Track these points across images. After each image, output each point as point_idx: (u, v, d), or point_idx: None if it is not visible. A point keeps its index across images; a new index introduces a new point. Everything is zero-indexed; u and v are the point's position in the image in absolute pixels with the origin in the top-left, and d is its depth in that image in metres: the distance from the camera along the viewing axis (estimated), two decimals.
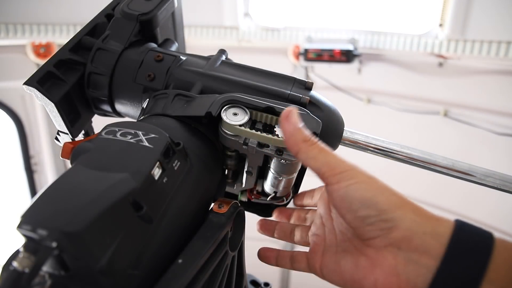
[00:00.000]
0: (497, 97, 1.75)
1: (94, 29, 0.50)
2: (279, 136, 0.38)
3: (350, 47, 1.85)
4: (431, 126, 1.97)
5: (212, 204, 0.42)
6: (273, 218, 0.53)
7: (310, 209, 0.51)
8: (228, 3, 1.94)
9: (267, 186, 0.47)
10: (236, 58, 0.51)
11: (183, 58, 0.48)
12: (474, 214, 1.90)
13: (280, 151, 0.38)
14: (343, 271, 0.37)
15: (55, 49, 1.68)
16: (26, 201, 2.48)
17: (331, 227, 0.42)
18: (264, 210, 0.53)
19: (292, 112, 0.37)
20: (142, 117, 0.43)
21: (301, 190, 0.50)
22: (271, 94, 0.44)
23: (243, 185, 0.49)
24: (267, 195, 0.49)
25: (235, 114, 0.39)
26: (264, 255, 0.47)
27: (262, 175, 0.48)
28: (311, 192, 0.51)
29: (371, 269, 0.34)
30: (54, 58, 0.46)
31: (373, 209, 0.33)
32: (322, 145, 0.36)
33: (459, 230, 0.31)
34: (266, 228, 0.50)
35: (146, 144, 0.33)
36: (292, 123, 0.36)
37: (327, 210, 0.44)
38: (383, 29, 1.86)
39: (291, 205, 0.52)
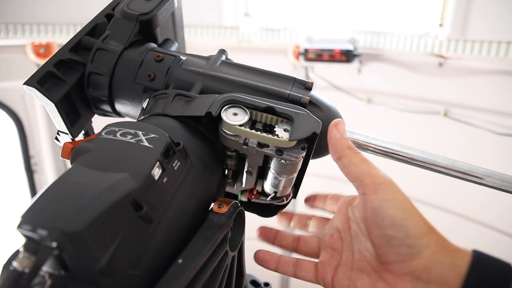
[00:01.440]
0: (497, 97, 1.75)
1: (94, 29, 0.50)
2: (279, 136, 0.38)
3: (350, 47, 1.85)
4: (431, 126, 1.97)
5: (212, 204, 0.42)
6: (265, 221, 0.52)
7: (313, 216, 0.51)
8: (228, 3, 1.95)
9: (267, 186, 0.47)
10: (236, 58, 0.51)
11: (183, 58, 0.48)
12: (474, 214, 1.90)
13: (280, 151, 0.38)
14: None
15: (55, 49, 1.68)
16: (26, 201, 2.48)
17: (349, 243, 0.42)
18: (264, 210, 0.53)
19: (341, 122, 0.40)
20: (142, 117, 0.43)
21: (301, 190, 0.50)
22: (271, 94, 0.44)
23: (243, 185, 0.49)
24: (267, 195, 0.49)
25: (235, 114, 0.39)
26: (263, 258, 0.46)
27: (262, 175, 0.48)
28: (324, 196, 0.51)
29: None
30: (54, 58, 0.46)
31: (401, 231, 0.34)
32: (364, 155, 0.38)
33: (477, 262, 0.32)
34: (265, 236, 0.50)
35: (146, 144, 0.33)
36: (340, 131, 0.39)
37: (345, 225, 0.44)
38: (383, 29, 1.86)
39: (290, 208, 0.52)
